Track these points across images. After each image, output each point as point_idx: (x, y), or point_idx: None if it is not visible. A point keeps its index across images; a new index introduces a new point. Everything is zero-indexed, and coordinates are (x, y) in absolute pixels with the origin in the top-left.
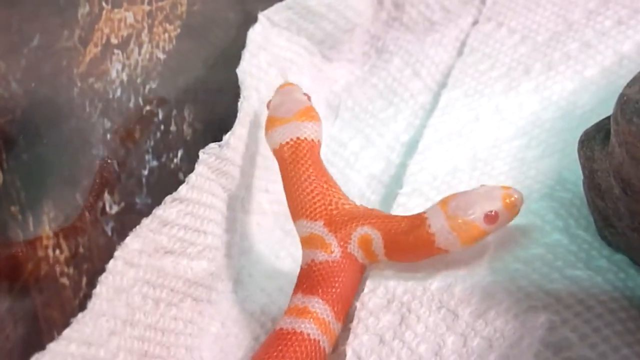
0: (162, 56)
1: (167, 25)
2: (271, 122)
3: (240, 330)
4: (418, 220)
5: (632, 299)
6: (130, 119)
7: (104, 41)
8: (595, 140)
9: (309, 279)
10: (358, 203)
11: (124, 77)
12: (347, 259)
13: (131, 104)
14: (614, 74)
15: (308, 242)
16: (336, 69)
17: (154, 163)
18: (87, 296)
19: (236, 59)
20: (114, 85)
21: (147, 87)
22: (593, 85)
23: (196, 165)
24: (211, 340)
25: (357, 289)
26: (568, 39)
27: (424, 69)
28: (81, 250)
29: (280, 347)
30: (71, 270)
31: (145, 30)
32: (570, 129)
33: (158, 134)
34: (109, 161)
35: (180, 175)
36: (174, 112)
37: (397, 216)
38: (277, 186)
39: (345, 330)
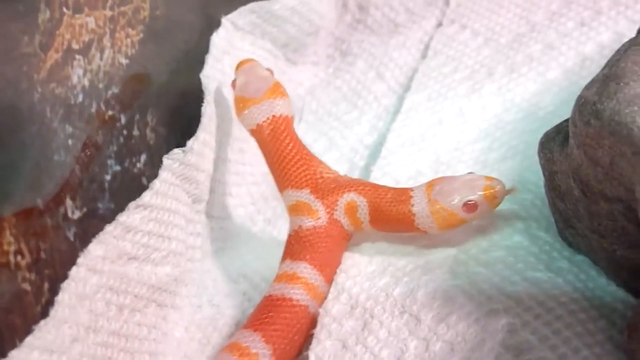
0: (124, 61)
1: (130, 30)
2: (242, 103)
3: (204, 335)
4: (403, 196)
5: (592, 300)
6: (92, 125)
7: (65, 47)
8: (554, 142)
9: (297, 245)
10: None
11: (86, 82)
12: (333, 225)
13: (93, 109)
14: (576, 75)
15: (295, 209)
16: (300, 72)
17: (117, 168)
18: (49, 302)
19: (199, 63)
20: (76, 91)
21: (110, 92)
22: (555, 86)
23: (160, 171)
24: (175, 346)
25: (343, 253)
26: (531, 40)
27: (387, 71)
28: (43, 256)
29: (271, 314)
30: (33, 276)
31: (107, 35)
32: (532, 131)
33: (121, 139)
34: (70, 166)
35: (144, 181)
36: (137, 117)
37: (383, 186)
38: (242, 189)
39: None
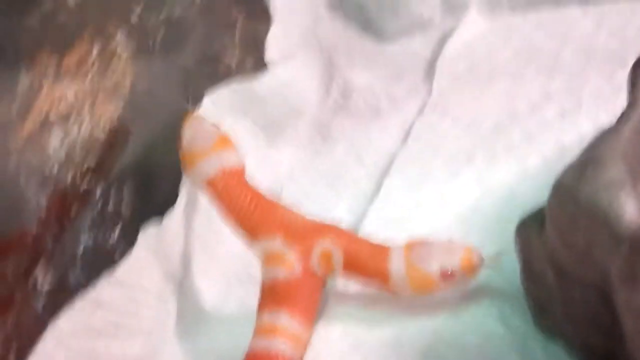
0: (102, 135)
1: (109, 104)
2: (190, 158)
3: None
4: (381, 253)
5: None
6: (66, 196)
7: (42, 116)
8: (531, 228)
9: (273, 297)
10: None
11: (62, 153)
12: (307, 274)
13: (68, 181)
14: (556, 164)
15: (268, 259)
16: (280, 154)
17: (90, 242)
18: None
19: (179, 140)
20: (52, 161)
21: (86, 165)
22: (534, 174)
23: (134, 247)
24: None
25: (320, 297)
26: (512, 129)
27: (367, 156)
28: (9, 326)
29: None
30: None
31: (86, 108)
32: (509, 218)
33: (95, 212)
34: (42, 237)
35: (117, 256)
36: (113, 190)
37: (360, 238)
38: (217, 270)
39: None
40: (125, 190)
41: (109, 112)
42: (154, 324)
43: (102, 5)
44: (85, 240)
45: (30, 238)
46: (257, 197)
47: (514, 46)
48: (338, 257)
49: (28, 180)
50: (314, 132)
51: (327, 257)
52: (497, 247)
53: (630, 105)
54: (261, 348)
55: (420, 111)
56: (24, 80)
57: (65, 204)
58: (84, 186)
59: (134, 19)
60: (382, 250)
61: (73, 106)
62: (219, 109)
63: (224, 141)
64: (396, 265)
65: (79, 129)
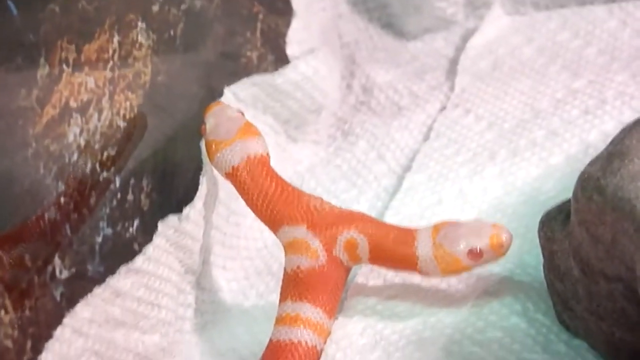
0: (122, 124)
1: (129, 93)
2: (214, 146)
3: None
4: (407, 237)
5: None
6: (85, 185)
7: (62, 104)
8: (555, 221)
9: (296, 286)
10: None
11: (82, 141)
12: (332, 262)
13: (87, 170)
14: (579, 162)
15: (292, 247)
16: (300, 150)
17: (109, 231)
18: None
19: (198, 132)
20: (71, 149)
21: (105, 153)
22: (557, 172)
23: (154, 237)
24: None
25: (344, 287)
26: (534, 126)
27: (389, 152)
28: (27, 313)
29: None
30: (16, 333)
31: (106, 97)
32: (532, 215)
33: (114, 202)
34: (61, 225)
35: (135, 246)
36: (132, 181)
37: (386, 224)
38: (235, 264)
39: None
40: (145, 181)
41: (128, 101)
42: (173, 315)
43: None
44: (104, 229)
45: (49, 226)
46: (282, 184)
47: (537, 44)
48: (363, 246)
49: (47, 168)
50: (335, 127)
51: (352, 246)
52: (519, 243)
53: None
54: (284, 337)
55: (443, 108)
56: (44, 68)
57: (84, 193)
58: (103, 175)
59: (155, 9)
60: (408, 234)
61: (93, 95)
62: (240, 103)
63: (249, 128)
64: (423, 248)
65: (99, 117)
